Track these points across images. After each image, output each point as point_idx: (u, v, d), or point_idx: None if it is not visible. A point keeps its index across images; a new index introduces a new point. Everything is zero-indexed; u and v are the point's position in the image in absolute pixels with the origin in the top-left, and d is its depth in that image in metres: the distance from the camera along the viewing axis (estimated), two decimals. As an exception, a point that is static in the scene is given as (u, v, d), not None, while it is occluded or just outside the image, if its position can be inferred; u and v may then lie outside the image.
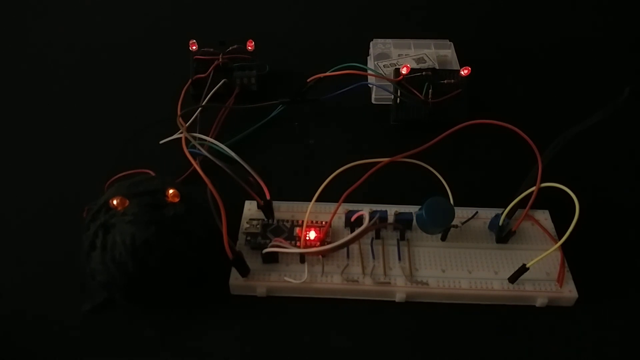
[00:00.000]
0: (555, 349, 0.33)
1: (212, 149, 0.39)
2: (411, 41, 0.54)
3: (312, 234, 0.36)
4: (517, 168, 0.38)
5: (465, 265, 0.36)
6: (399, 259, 0.36)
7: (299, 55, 0.56)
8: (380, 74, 0.50)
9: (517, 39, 0.59)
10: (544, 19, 0.63)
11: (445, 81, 0.47)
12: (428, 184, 0.39)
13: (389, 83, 0.47)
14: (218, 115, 0.46)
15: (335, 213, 0.37)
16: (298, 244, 0.36)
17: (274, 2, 0.65)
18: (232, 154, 0.38)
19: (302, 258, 0.35)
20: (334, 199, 0.37)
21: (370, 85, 0.49)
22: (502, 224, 0.36)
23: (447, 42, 0.54)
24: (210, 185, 0.34)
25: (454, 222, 0.35)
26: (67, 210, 0.39)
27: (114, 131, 0.46)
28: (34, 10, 0.63)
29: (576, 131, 0.40)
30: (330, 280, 0.35)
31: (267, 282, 0.35)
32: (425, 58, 0.52)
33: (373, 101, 0.50)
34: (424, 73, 0.46)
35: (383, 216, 0.37)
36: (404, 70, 0.46)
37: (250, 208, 0.39)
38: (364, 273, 0.35)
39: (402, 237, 0.37)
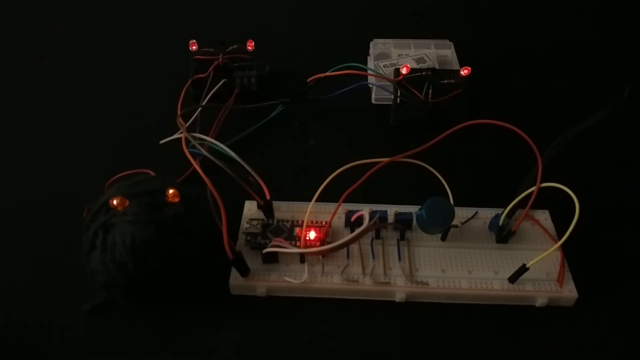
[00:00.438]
0: (555, 349, 0.33)
1: (212, 149, 0.39)
2: (411, 41, 0.54)
3: (312, 234, 0.36)
4: (517, 168, 0.38)
5: (465, 265, 0.36)
6: (399, 259, 0.36)
7: (299, 55, 0.56)
8: (380, 74, 0.50)
9: (517, 39, 0.59)
10: (544, 19, 0.63)
11: (445, 81, 0.47)
12: (428, 184, 0.39)
13: (389, 83, 0.47)
14: (218, 115, 0.46)
15: (335, 213, 0.37)
16: (298, 244, 0.36)
17: (274, 2, 0.65)
18: (232, 154, 0.38)
19: (302, 258, 0.35)
20: (334, 199, 0.37)
21: (370, 85, 0.49)
22: (502, 224, 0.36)
23: (447, 42, 0.54)
24: (210, 185, 0.34)
25: (454, 222, 0.35)
26: (67, 210, 0.39)
27: (114, 131, 0.46)
28: (33, 10, 0.63)
29: (576, 131, 0.40)
30: (330, 280, 0.35)
31: (267, 282, 0.35)
32: (425, 58, 0.52)
33: (373, 101, 0.50)
34: (424, 73, 0.47)
35: (383, 216, 0.37)
36: (404, 70, 0.46)
37: (250, 208, 0.39)
38: (364, 273, 0.35)
39: (402, 237, 0.37)
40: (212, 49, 0.49)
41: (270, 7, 0.64)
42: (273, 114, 0.48)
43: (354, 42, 0.55)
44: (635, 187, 0.43)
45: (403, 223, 0.37)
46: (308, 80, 0.47)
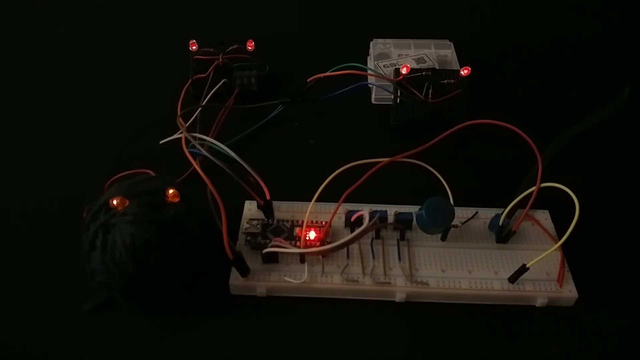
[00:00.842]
0: (555, 349, 0.33)
1: (212, 149, 0.39)
2: (411, 41, 0.54)
3: (312, 234, 0.36)
4: (517, 168, 0.38)
5: (465, 265, 0.36)
6: (399, 259, 0.36)
7: (299, 55, 0.56)
8: (380, 74, 0.50)
9: (517, 39, 0.59)
10: (544, 18, 0.63)
11: (445, 81, 0.47)
12: (428, 184, 0.39)
13: (389, 83, 0.47)
14: (218, 115, 0.46)
15: (335, 213, 0.37)
16: (298, 244, 0.36)
17: (274, 2, 0.65)
18: (232, 154, 0.38)
19: (302, 258, 0.35)
20: (334, 199, 0.37)
21: (370, 85, 0.49)
22: (502, 224, 0.36)
23: (447, 42, 0.54)
24: (210, 185, 0.34)
25: (454, 222, 0.35)
26: (67, 210, 0.39)
27: (114, 131, 0.46)
28: (34, 10, 0.63)
29: (576, 131, 0.40)
30: (330, 280, 0.35)
31: (267, 282, 0.35)
32: (425, 58, 0.52)
33: (373, 101, 0.50)
34: (424, 73, 0.46)
35: (383, 216, 0.37)
36: (404, 70, 0.46)
37: (250, 208, 0.39)
38: (364, 273, 0.35)
39: (402, 237, 0.37)
40: (212, 49, 0.49)
41: (270, 7, 0.64)
42: (273, 114, 0.48)
43: (354, 42, 0.55)
44: (635, 187, 0.43)
45: (403, 223, 0.37)
46: (308, 80, 0.47)
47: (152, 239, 0.31)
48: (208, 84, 0.47)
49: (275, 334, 0.33)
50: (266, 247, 0.35)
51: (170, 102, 0.46)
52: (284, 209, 0.38)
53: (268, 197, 0.37)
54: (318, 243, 0.36)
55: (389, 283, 0.35)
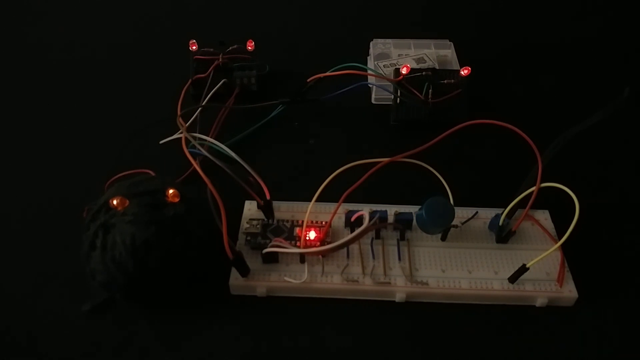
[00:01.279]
0: (555, 349, 0.33)
1: (212, 149, 0.39)
2: (411, 41, 0.54)
3: (312, 234, 0.36)
4: (517, 168, 0.38)
5: (465, 265, 0.36)
6: (399, 259, 0.36)
7: (299, 55, 0.56)
8: (380, 74, 0.50)
9: (517, 39, 0.59)
10: (544, 18, 0.63)
11: (445, 81, 0.47)
12: (428, 184, 0.39)
13: (389, 83, 0.47)
14: (218, 115, 0.46)
15: (335, 213, 0.37)
16: (298, 244, 0.36)
17: (274, 2, 0.65)
18: (232, 154, 0.38)
19: (302, 258, 0.35)
20: (334, 199, 0.37)
21: (370, 85, 0.49)
22: (502, 224, 0.36)
23: (447, 42, 0.54)
24: (210, 185, 0.34)
25: (454, 222, 0.35)
26: (67, 210, 0.39)
27: (114, 131, 0.46)
28: (33, 10, 0.63)
29: (576, 131, 0.40)
30: (330, 280, 0.35)
31: (267, 282, 0.35)
32: (425, 58, 0.52)
33: (373, 101, 0.50)
34: (424, 73, 0.46)
35: (383, 216, 0.37)
36: (404, 70, 0.46)
37: (250, 208, 0.39)
38: (364, 273, 0.35)
39: (402, 237, 0.37)
40: (212, 49, 0.49)
41: (270, 7, 0.64)
42: (273, 114, 0.48)
43: (354, 42, 0.55)
44: (635, 187, 0.43)
45: (403, 223, 0.37)
46: (308, 80, 0.47)
47: (152, 239, 0.31)
48: (208, 84, 0.47)
49: (275, 334, 0.33)
50: (266, 247, 0.35)
51: (170, 102, 0.46)
52: (284, 209, 0.38)
53: (268, 197, 0.37)
54: (318, 243, 0.36)
55: (389, 283, 0.35)
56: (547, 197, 0.35)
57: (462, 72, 0.46)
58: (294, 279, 0.34)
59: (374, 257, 0.36)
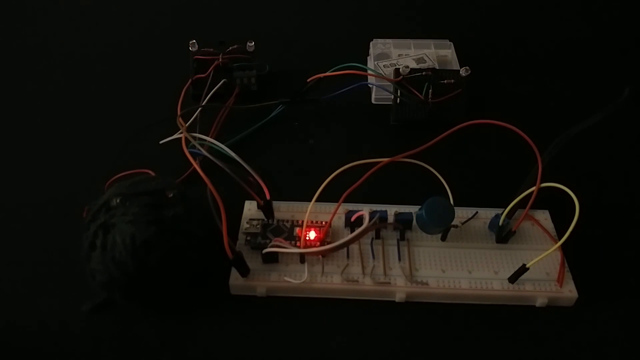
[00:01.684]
0: (555, 349, 0.33)
1: (212, 149, 0.39)
2: (411, 41, 0.54)
3: (312, 234, 0.36)
4: (517, 168, 0.38)
5: (465, 265, 0.36)
6: (399, 259, 0.36)
7: (299, 55, 0.56)
8: (380, 74, 0.50)
9: (517, 39, 0.59)
10: (544, 18, 0.63)
11: (445, 81, 0.47)
12: (428, 184, 0.39)
13: (389, 83, 0.47)
14: (218, 115, 0.46)
15: (335, 213, 0.37)
16: (298, 244, 0.36)
17: (274, 2, 0.65)
18: (232, 154, 0.38)
19: (302, 258, 0.35)
20: (334, 199, 0.37)
21: (370, 85, 0.49)
22: (502, 224, 0.36)
23: (447, 42, 0.54)
24: (210, 185, 0.34)
25: (454, 222, 0.35)
26: (67, 210, 0.39)
27: (114, 131, 0.46)
28: (33, 10, 0.63)
29: (576, 131, 0.40)
30: (330, 280, 0.35)
31: (267, 282, 0.35)
32: (425, 58, 0.52)
33: (373, 101, 0.50)
34: (424, 73, 0.46)
35: (383, 216, 0.37)
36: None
37: (250, 208, 0.39)
38: (364, 273, 0.35)
39: (402, 237, 0.37)
40: (212, 49, 0.49)
41: (270, 7, 0.64)
42: (273, 114, 0.48)
43: (354, 42, 0.55)
44: (635, 187, 0.43)
45: (403, 223, 0.37)
46: (308, 80, 0.47)
47: (152, 239, 0.31)
48: (208, 84, 0.47)
49: (275, 334, 0.33)
50: (266, 247, 0.35)
51: (170, 102, 0.46)
52: (284, 209, 0.38)
53: (268, 197, 0.37)
54: (318, 243, 0.36)
55: (389, 283, 0.35)
56: (547, 197, 0.35)
57: (462, 72, 0.46)
58: (294, 279, 0.34)
59: (374, 257, 0.36)
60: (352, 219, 0.37)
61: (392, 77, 0.47)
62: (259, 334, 0.33)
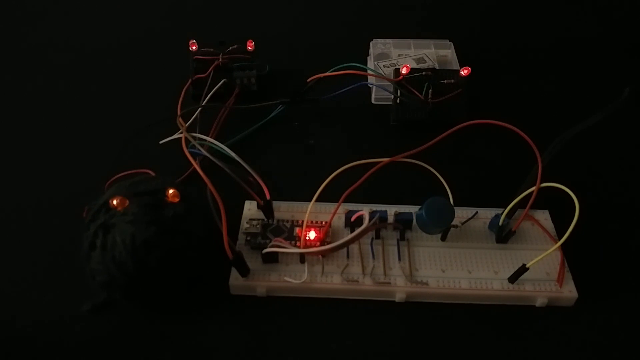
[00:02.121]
0: (555, 349, 0.33)
1: (212, 149, 0.39)
2: (411, 41, 0.54)
3: (312, 234, 0.36)
4: (517, 168, 0.38)
5: (465, 265, 0.36)
6: (399, 259, 0.36)
7: (299, 55, 0.56)
8: (380, 74, 0.50)
9: (517, 39, 0.59)
10: (543, 19, 0.63)
11: (445, 81, 0.47)
12: (428, 184, 0.39)
13: (389, 83, 0.47)
14: (218, 115, 0.46)
15: (335, 213, 0.37)
16: (298, 244, 0.36)
17: (274, 2, 0.65)
18: (232, 154, 0.38)
19: (302, 258, 0.35)
20: (334, 199, 0.37)
21: (370, 85, 0.49)
22: (502, 224, 0.36)
23: (447, 42, 0.54)
24: (210, 185, 0.34)
25: (454, 222, 0.35)
26: (67, 210, 0.39)
27: (114, 131, 0.46)
28: (34, 10, 0.63)
29: (576, 131, 0.40)
30: (330, 280, 0.35)
31: (267, 282, 0.35)
32: (425, 58, 0.52)
33: (373, 101, 0.50)
34: (424, 73, 0.47)
35: (383, 216, 0.37)
36: (404, 70, 0.46)
37: (250, 208, 0.39)
38: (364, 273, 0.35)
39: (402, 237, 0.37)
40: (212, 49, 0.49)
41: (270, 7, 0.64)
42: (273, 114, 0.48)
43: (354, 42, 0.55)
44: (635, 187, 0.43)
45: (403, 223, 0.37)
46: (308, 80, 0.47)
47: (152, 239, 0.31)
48: (208, 84, 0.47)
49: (275, 334, 0.33)
50: (266, 247, 0.35)
51: (170, 102, 0.46)
52: (284, 209, 0.38)
53: (268, 197, 0.37)
54: (318, 243, 0.36)
55: (389, 283, 0.35)
56: (547, 197, 0.35)
57: (462, 72, 0.46)
58: (294, 279, 0.34)
59: (373, 257, 0.36)
60: (352, 219, 0.37)
61: (392, 77, 0.47)
62: (259, 334, 0.33)
